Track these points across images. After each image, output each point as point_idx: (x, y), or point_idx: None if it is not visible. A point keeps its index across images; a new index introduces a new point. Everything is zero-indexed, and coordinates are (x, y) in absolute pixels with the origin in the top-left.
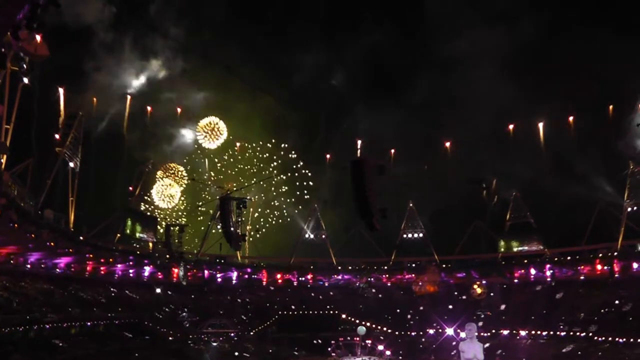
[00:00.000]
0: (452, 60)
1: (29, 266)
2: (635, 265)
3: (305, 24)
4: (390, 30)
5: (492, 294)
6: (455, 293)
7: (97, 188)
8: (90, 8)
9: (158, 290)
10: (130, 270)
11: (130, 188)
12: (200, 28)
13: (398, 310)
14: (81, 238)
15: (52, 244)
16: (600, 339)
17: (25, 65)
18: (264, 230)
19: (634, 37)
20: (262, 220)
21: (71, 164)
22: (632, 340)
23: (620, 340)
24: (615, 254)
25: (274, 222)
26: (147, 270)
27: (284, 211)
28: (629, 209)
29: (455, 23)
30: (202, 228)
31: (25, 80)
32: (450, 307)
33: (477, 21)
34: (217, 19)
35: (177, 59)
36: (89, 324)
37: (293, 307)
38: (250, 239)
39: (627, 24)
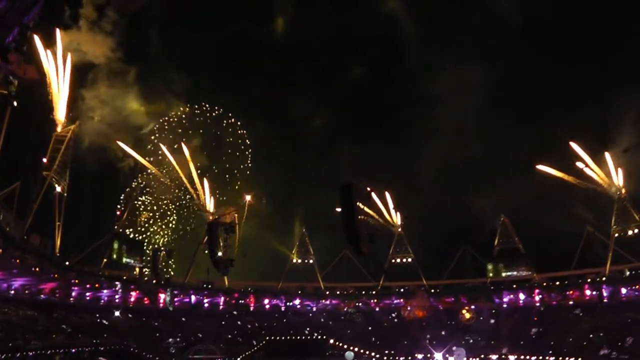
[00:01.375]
0: (435, 96)
1: (12, 292)
2: (623, 290)
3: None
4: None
5: (481, 319)
6: (444, 317)
7: (85, 213)
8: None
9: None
10: (117, 296)
11: (118, 213)
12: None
13: (386, 335)
14: (67, 263)
15: (37, 269)
16: None
17: (14, 89)
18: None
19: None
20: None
21: (58, 189)
22: None
23: None
24: (604, 279)
25: (262, 246)
26: (134, 295)
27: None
28: (617, 235)
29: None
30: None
31: (15, 103)
32: (440, 331)
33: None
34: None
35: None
36: (73, 350)
37: (281, 332)
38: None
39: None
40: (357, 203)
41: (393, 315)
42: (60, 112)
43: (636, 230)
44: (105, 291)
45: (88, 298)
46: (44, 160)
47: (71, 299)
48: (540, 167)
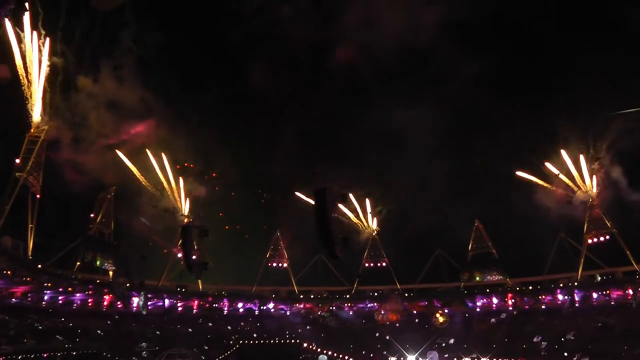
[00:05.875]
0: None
1: None
2: (594, 295)
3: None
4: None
5: (454, 323)
6: (417, 321)
7: (59, 215)
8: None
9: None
10: (89, 300)
11: (92, 215)
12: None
13: (360, 339)
14: (39, 266)
15: (9, 272)
16: None
17: None
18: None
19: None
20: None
21: (31, 190)
22: None
23: None
24: (576, 284)
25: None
26: (107, 299)
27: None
28: (589, 241)
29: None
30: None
31: None
32: (413, 335)
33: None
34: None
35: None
36: (45, 355)
37: (254, 336)
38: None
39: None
40: (331, 208)
41: (367, 318)
42: (34, 112)
43: (607, 237)
44: (78, 295)
45: (61, 302)
46: (17, 161)
47: (44, 302)
48: (519, 173)
